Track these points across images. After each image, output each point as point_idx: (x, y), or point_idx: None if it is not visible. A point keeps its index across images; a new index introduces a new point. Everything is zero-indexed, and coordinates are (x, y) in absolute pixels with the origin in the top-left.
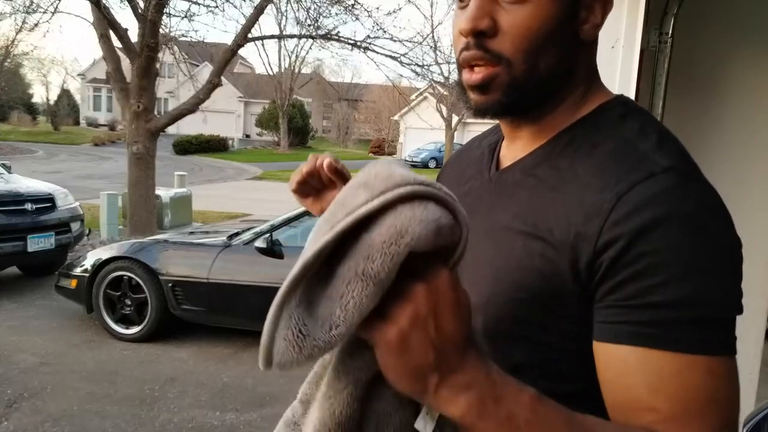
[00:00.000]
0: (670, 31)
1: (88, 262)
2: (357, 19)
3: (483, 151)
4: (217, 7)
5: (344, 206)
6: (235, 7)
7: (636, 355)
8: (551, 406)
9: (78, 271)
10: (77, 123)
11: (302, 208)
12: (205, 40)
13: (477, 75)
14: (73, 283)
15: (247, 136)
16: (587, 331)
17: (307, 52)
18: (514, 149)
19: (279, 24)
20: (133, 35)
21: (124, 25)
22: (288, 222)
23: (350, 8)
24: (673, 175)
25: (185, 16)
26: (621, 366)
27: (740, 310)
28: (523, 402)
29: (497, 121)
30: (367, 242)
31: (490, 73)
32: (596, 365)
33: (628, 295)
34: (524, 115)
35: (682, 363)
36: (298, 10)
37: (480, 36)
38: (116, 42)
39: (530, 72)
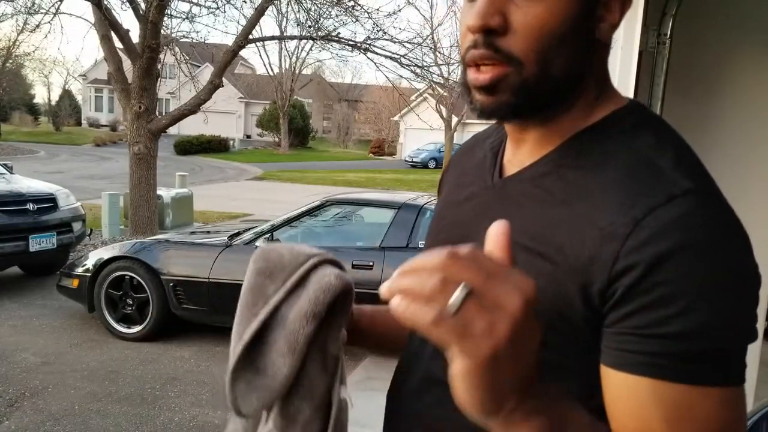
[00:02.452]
0: (669, 32)
1: (90, 262)
2: (357, 20)
3: (485, 153)
4: (218, 8)
5: (261, 295)
6: (236, 8)
7: (648, 386)
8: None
9: (79, 270)
10: (79, 123)
11: (302, 208)
12: (206, 41)
13: (485, 75)
14: (75, 283)
15: (248, 136)
16: (595, 353)
17: (308, 53)
18: (519, 154)
19: (280, 25)
20: (135, 36)
21: (125, 26)
22: (288, 222)
23: (350, 10)
24: (693, 199)
25: (186, 18)
26: (632, 395)
27: (755, 337)
28: (581, 424)
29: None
30: (296, 312)
31: (498, 73)
32: (603, 388)
33: (642, 324)
34: (532, 117)
35: (695, 395)
36: (298, 11)
37: (490, 34)
38: (118, 43)
39: (542, 74)
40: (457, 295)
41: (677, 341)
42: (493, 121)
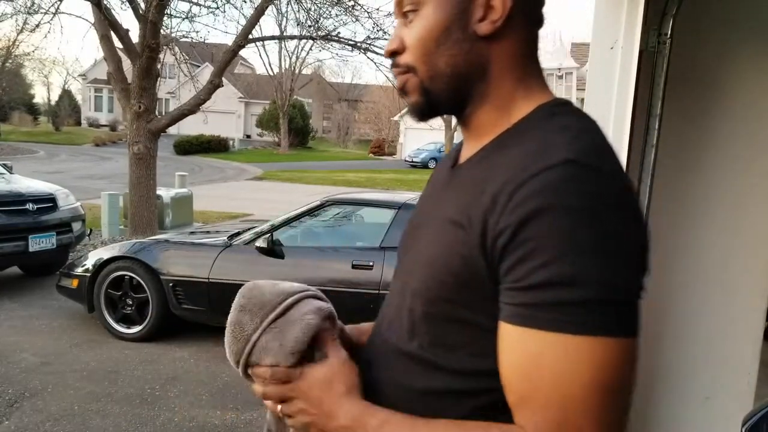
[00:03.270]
0: (669, 32)
1: (90, 262)
2: (357, 20)
3: (455, 153)
4: (218, 8)
5: (241, 331)
6: (236, 8)
7: (513, 334)
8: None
9: (79, 270)
10: (78, 123)
11: (302, 208)
12: (206, 41)
13: (398, 83)
14: (75, 283)
15: (248, 136)
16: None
17: (308, 53)
18: (468, 148)
19: (279, 25)
20: (134, 36)
21: (125, 26)
22: (288, 222)
23: (350, 9)
24: (570, 168)
25: (186, 17)
26: (502, 344)
27: (632, 295)
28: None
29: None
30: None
31: (403, 80)
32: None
33: (515, 278)
34: (457, 114)
35: (539, 340)
36: (298, 11)
37: (394, 55)
38: (117, 43)
39: (432, 72)
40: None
41: (540, 290)
42: (425, 120)
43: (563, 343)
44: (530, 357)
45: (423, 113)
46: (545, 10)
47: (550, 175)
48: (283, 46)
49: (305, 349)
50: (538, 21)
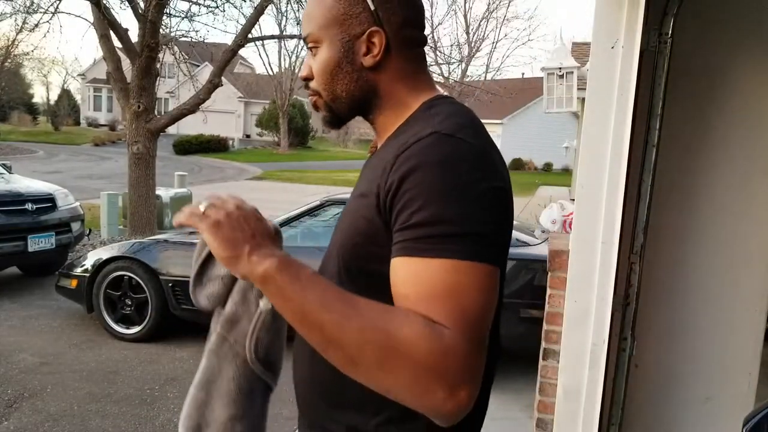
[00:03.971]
0: (670, 32)
1: (89, 262)
2: None
3: (373, 146)
4: (217, 7)
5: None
6: (236, 7)
7: (402, 264)
8: (327, 280)
9: (78, 271)
10: (77, 123)
11: (302, 208)
12: (206, 41)
13: (311, 103)
14: (74, 283)
15: (248, 136)
16: None
17: None
18: (379, 142)
19: (279, 24)
20: (134, 35)
21: (124, 26)
22: (288, 222)
23: None
24: (434, 137)
25: (185, 17)
26: (394, 274)
27: (484, 228)
28: (308, 270)
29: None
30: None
31: (314, 101)
32: None
33: (401, 222)
34: (365, 118)
35: (429, 265)
36: (298, 10)
37: (306, 80)
38: (116, 42)
39: (332, 95)
40: (203, 205)
41: (419, 228)
42: (337, 129)
43: (440, 265)
44: (418, 276)
45: (332, 124)
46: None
47: (420, 144)
48: (282, 45)
49: None
50: (421, 42)
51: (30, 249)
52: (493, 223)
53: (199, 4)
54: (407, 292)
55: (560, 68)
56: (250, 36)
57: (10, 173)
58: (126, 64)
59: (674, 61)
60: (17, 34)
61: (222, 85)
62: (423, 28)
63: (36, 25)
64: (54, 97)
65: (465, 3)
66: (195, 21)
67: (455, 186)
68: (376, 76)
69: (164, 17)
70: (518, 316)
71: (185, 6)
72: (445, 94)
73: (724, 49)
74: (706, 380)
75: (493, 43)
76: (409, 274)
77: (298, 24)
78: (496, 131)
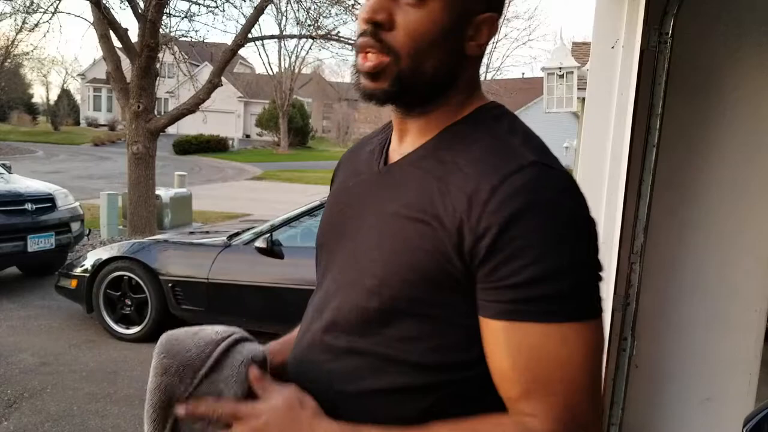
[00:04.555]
0: (670, 32)
1: (88, 262)
2: (357, 19)
3: (374, 148)
4: (217, 7)
5: (172, 396)
6: (235, 7)
7: (504, 330)
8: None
9: (78, 271)
10: (77, 123)
11: (302, 208)
12: (205, 40)
13: (369, 63)
14: (73, 283)
15: (247, 136)
16: (474, 306)
17: (307, 52)
18: (403, 144)
19: (279, 24)
20: (134, 35)
21: (124, 25)
22: (288, 222)
23: (350, 8)
24: (537, 168)
25: (185, 16)
26: (493, 340)
27: (600, 277)
28: None
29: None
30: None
31: (380, 62)
32: (482, 339)
33: (502, 277)
34: (410, 109)
35: (540, 332)
36: (298, 10)
37: (377, 26)
38: (116, 42)
39: (415, 68)
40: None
41: (528, 287)
42: (375, 105)
43: (558, 332)
44: (528, 350)
45: (382, 100)
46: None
47: (524, 176)
48: (282, 45)
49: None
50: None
51: (29, 249)
52: (600, 263)
53: (199, 4)
54: (507, 364)
55: (560, 68)
56: (249, 36)
57: (9, 173)
58: (126, 64)
59: (674, 60)
60: (17, 34)
61: (222, 84)
62: None
63: (36, 25)
64: (54, 97)
65: None
66: (195, 21)
67: (570, 232)
68: (464, 66)
69: (164, 17)
70: None
71: (185, 6)
72: (495, 101)
73: (724, 48)
74: (706, 380)
75: (494, 43)
76: (524, 345)
77: (298, 24)
78: None
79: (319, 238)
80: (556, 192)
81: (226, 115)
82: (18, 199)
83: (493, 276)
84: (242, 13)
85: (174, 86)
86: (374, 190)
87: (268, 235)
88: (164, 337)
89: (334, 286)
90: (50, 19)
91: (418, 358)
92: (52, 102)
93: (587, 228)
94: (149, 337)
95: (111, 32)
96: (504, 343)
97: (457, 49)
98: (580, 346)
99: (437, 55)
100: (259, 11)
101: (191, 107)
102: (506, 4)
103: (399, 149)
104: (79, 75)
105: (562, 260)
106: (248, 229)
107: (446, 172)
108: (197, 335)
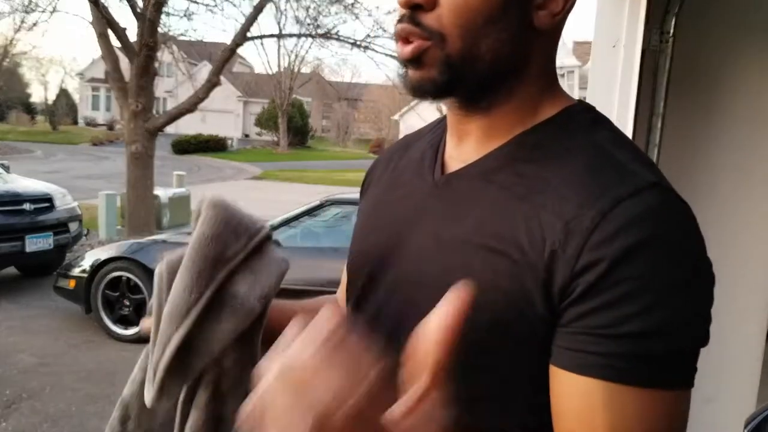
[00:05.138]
0: (672, 31)
1: (87, 263)
2: (357, 18)
3: (423, 150)
4: (216, 6)
5: (222, 249)
6: (235, 6)
7: (600, 389)
8: None
9: (76, 271)
10: (75, 122)
11: (302, 208)
12: (204, 40)
13: (407, 48)
14: (72, 284)
15: (246, 135)
16: (547, 354)
17: (307, 52)
18: (464, 149)
19: (278, 23)
20: (132, 34)
21: (122, 24)
22: (288, 222)
23: (350, 7)
24: (658, 193)
25: (184, 15)
26: (582, 397)
27: (707, 340)
28: None
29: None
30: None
31: (420, 46)
32: (551, 388)
33: (601, 324)
34: (472, 104)
35: (646, 398)
36: (297, 9)
37: (416, 9)
38: (115, 41)
39: (468, 51)
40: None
41: (635, 341)
42: (429, 101)
43: (663, 401)
44: (621, 419)
45: (433, 93)
46: None
47: (642, 202)
48: (281, 44)
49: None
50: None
51: (28, 249)
52: (710, 316)
53: (198, 3)
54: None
55: (561, 67)
56: (248, 35)
57: (8, 173)
58: (124, 63)
59: (676, 60)
60: (15, 33)
61: (221, 84)
62: None
63: (34, 24)
64: (52, 96)
65: None
66: (193, 20)
67: (695, 277)
68: (535, 44)
69: (163, 16)
70: None
71: (184, 5)
72: (586, 102)
73: (726, 47)
74: (707, 381)
75: None
76: (604, 405)
77: (297, 23)
78: None
79: (352, 261)
80: (682, 225)
81: (225, 115)
82: (16, 199)
83: (587, 320)
84: (241, 12)
85: (173, 86)
86: (431, 207)
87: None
88: (212, 197)
89: (374, 322)
90: (49, 18)
91: (481, 422)
92: (50, 101)
93: (710, 274)
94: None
95: (109, 31)
96: (586, 406)
97: (523, 22)
98: (673, 416)
99: (495, 32)
100: (258, 10)
101: (190, 107)
102: None
103: (458, 156)
104: (77, 74)
105: (682, 313)
106: None
107: (531, 191)
108: (242, 210)
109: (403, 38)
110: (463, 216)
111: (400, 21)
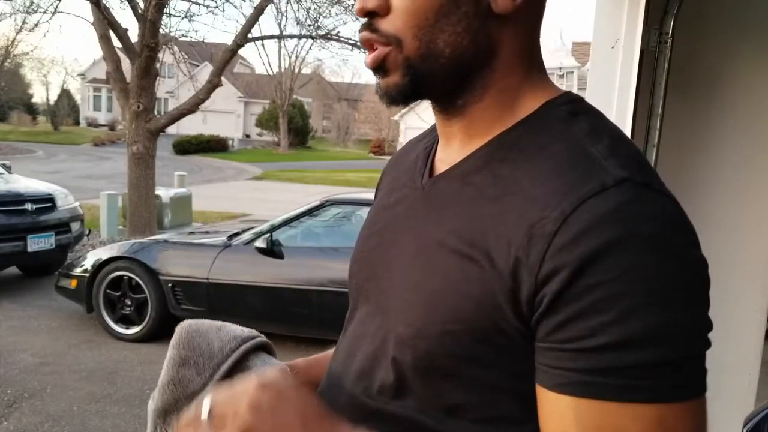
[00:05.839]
0: (671, 31)
1: (88, 262)
2: (357, 19)
3: (418, 154)
4: (217, 7)
5: (180, 386)
6: (235, 7)
7: (573, 407)
8: None
9: (78, 271)
10: (77, 123)
11: (302, 208)
12: (205, 40)
13: (370, 56)
14: (73, 283)
15: (247, 136)
16: (533, 370)
17: (307, 52)
18: (450, 151)
19: (279, 24)
20: (133, 35)
21: (124, 25)
22: (288, 222)
23: (350, 8)
24: (629, 188)
25: (185, 16)
26: (559, 419)
27: (709, 344)
28: None
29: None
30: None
31: (380, 53)
32: (538, 410)
33: (573, 337)
34: (447, 104)
35: (622, 416)
36: (298, 10)
37: (371, 16)
38: (116, 42)
39: (426, 49)
40: (205, 406)
41: (613, 353)
42: (396, 105)
43: (652, 416)
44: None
45: (401, 98)
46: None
47: (608, 199)
48: (282, 45)
49: None
50: (543, 12)
51: (29, 249)
52: (710, 321)
53: (199, 4)
54: None
55: (560, 68)
56: (249, 36)
57: (9, 173)
58: (126, 64)
59: (674, 60)
60: (17, 34)
61: (221, 84)
62: None
63: (36, 25)
64: (53, 97)
65: None
66: (195, 21)
67: (675, 279)
68: (502, 31)
69: (164, 17)
70: None
71: (185, 6)
72: (574, 93)
73: (724, 48)
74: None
75: None
76: (587, 424)
77: (298, 24)
78: None
79: (351, 267)
80: (657, 222)
81: (226, 115)
82: (18, 199)
83: (559, 334)
84: (242, 13)
85: (174, 86)
86: (417, 210)
87: (268, 235)
88: (183, 327)
89: (361, 330)
90: (50, 19)
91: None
92: (51, 102)
93: (699, 275)
94: (149, 337)
95: (111, 32)
96: (572, 425)
97: (479, 10)
98: (685, 429)
99: (450, 25)
100: (259, 11)
101: (191, 107)
102: None
103: (445, 158)
104: (79, 75)
105: (662, 318)
106: (248, 229)
107: (502, 192)
108: (221, 330)
109: (368, 46)
110: (443, 219)
111: (360, 30)
